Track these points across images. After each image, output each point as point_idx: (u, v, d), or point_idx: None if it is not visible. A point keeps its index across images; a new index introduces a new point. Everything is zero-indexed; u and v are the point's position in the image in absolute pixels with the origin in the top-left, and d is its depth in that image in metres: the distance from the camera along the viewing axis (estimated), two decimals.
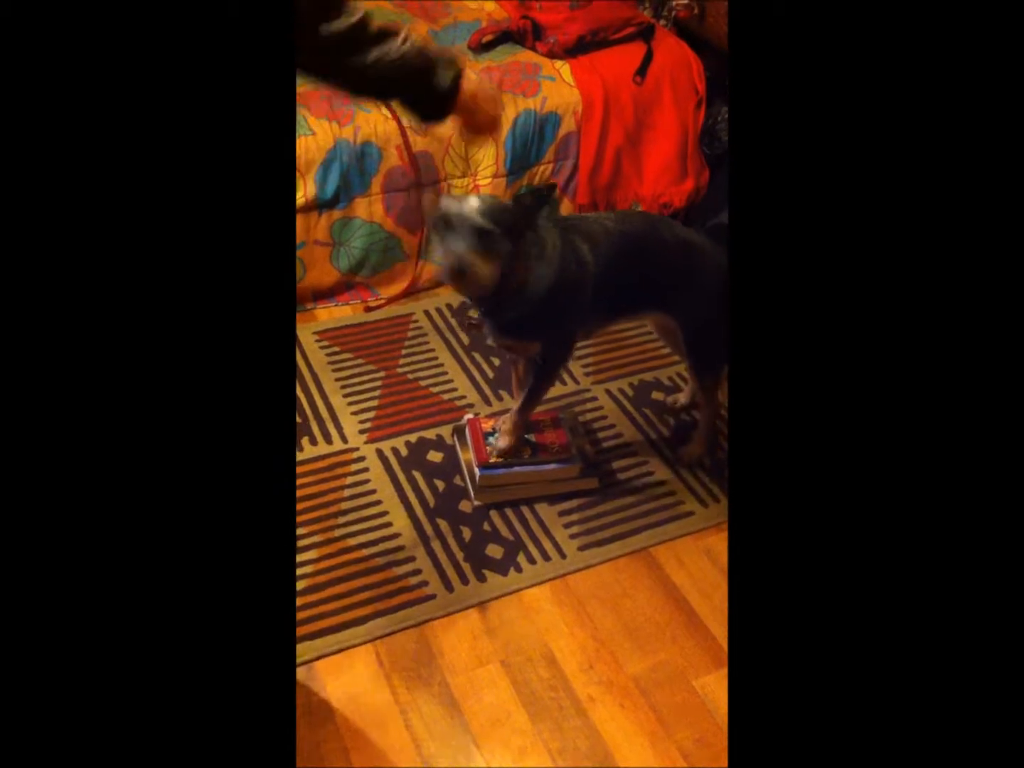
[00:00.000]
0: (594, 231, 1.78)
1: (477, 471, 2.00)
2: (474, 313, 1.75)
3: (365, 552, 1.89)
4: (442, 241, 1.59)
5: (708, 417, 2.14)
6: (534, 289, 1.68)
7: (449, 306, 2.64)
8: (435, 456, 2.15)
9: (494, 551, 1.93)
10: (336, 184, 2.51)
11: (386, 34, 1.33)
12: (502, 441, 2.00)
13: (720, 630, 1.80)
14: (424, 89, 1.41)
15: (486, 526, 1.98)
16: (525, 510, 2.02)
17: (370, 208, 2.58)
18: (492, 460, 2.00)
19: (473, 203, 1.57)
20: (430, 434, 2.21)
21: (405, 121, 2.55)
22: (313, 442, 2.16)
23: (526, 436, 2.05)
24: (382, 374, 2.39)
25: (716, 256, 1.89)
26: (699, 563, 1.94)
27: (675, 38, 2.98)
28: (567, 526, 2.00)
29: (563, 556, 1.93)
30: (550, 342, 1.84)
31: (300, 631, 1.72)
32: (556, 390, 2.36)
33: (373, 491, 2.04)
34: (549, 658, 1.73)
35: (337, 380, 2.36)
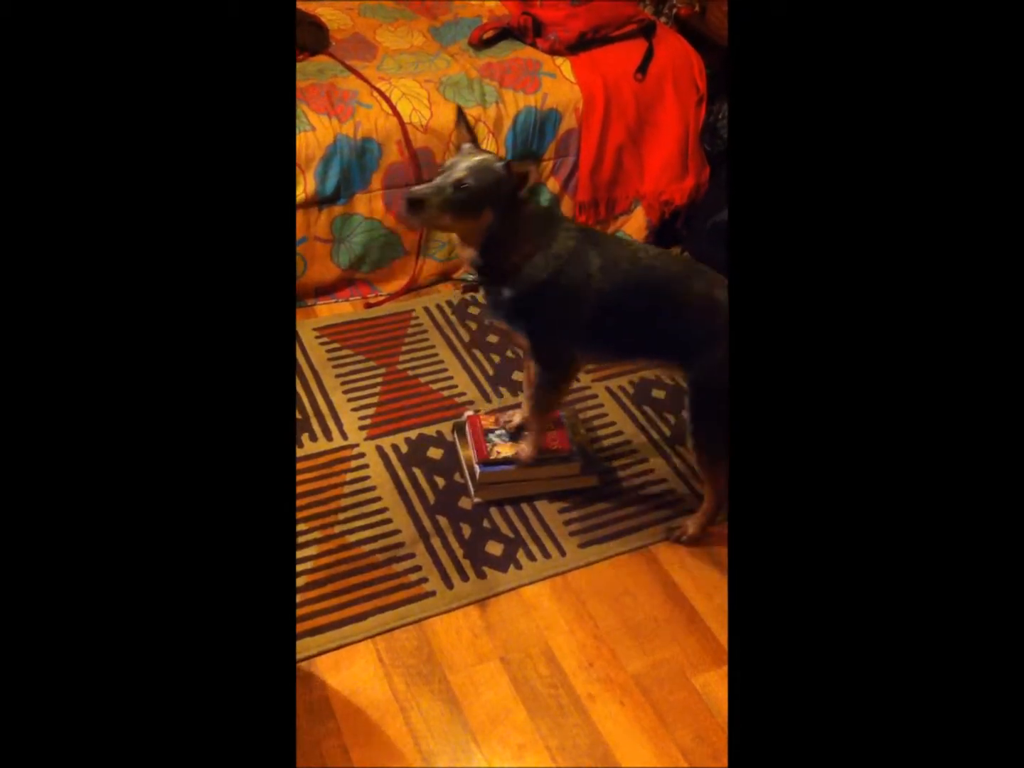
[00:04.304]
0: (617, 254, 1.75)
1: (477, 468, 2.00)
2: (470, 275, 1.78)
3: (365, 549, 1.89)
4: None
5: (708, 503, 1.93)
6: (528, 275, 1.70)
7: (449, 303, 2.64)
8: (435, 453, 2.15)
9: (494, 548, 1.93)
10: (336, 180, 2.50)
11: None
12: (524, 453, 1.99)
13: (720, 628, 1.80)
14: None
15: (486, 523, 1.98)
16: (525, 507, 2.02)
17: (370, 204, 2.58)
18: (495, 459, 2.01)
19: (465, 161, 1.65)
20: (430, 431, 2.21)
21: (405, 117, 2.55)
22: (313, 438, 2.16)
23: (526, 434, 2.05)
24: (382, 371, 2.39)
25: None
26: (699, 561, 1.94)
27: (676, 35, 2.98)
28: (567, 523, 2.00)
29: (563, 554, 1.93)
30: (537, 343, 1.81)
31: (300, 627, 1.72)
32: None
33: (373, 488, 2.04)
34: (549, 655, 1.73)
35: (337, 376, 2.35)
